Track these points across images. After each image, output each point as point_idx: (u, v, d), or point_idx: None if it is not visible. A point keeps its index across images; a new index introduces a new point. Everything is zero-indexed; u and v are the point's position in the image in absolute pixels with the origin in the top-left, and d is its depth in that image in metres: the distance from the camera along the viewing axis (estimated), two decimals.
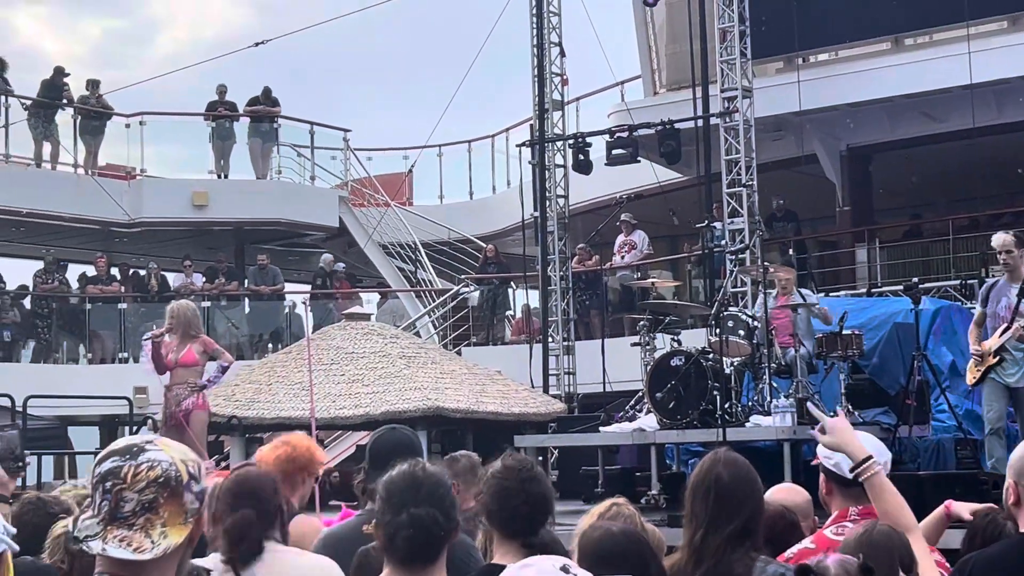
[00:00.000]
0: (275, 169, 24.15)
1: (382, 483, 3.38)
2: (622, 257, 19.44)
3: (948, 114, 17.39)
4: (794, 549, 4.22)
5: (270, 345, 21.21)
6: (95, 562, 2.43)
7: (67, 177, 22.23)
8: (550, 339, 17.43)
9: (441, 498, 3.32)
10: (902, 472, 10.14)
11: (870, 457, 4.03)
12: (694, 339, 13.79)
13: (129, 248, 24.33)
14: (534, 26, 17.85)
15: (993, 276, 10.88)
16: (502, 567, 3.44)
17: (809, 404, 10.55)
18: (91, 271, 22.26)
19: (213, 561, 3.92)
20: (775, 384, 11.90)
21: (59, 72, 22.24)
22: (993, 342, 10.43)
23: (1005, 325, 10.37)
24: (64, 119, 22.42)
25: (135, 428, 15.31)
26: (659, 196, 18.75)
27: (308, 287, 23.69)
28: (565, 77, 18.09)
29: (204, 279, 22.26)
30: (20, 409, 14.41)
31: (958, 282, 16.13)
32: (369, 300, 23.21)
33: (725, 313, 12.24)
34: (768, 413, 11.53)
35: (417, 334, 19.78)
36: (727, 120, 15.78)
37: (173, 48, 61.32)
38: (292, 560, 3.98)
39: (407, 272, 23.59)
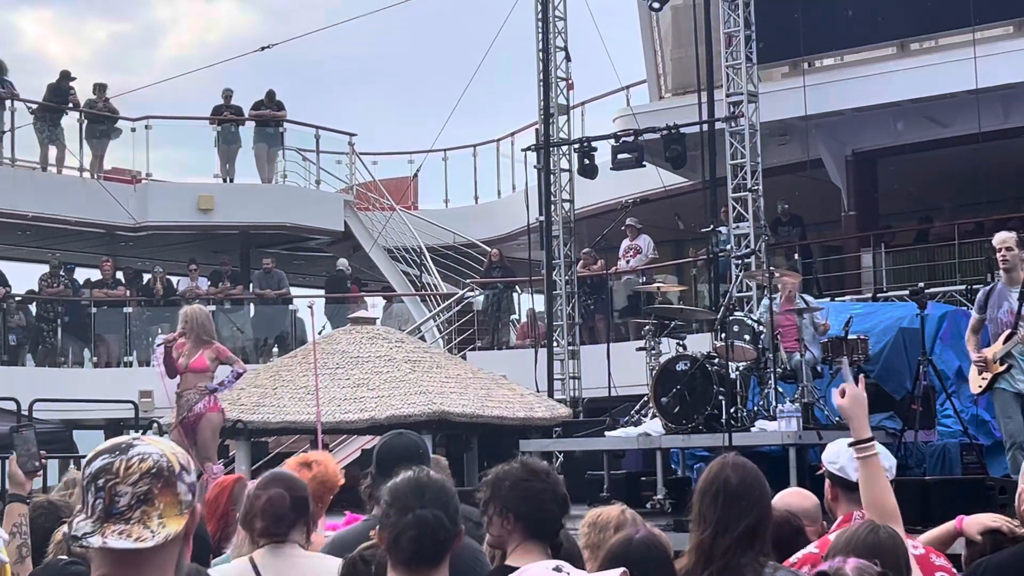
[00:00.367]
0: (280, 173, 24.15)
1: (386, 488, 3.41)
2: (627, 262, 19.44)
3: (954, 119, 17.38)
4: (799, 554, 4.23)
5: (275, 349, 21.24)
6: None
7: (73, 181, 22.26)
8: (555, 343, 17.44)
9: (446, 502, 3.35)
10: (908, 477, 10.14)
11: (872, 438, 4.14)
12: (699, 344, 13.77)
13: (134, 252, 24.35)
14: (539, 30, 17.85)
15: (997, 279, 10.76)
16: (513, 568, 3.46)
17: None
18: (96, 275, 22.30)
19: (239, 566, 4.02)
20: (781, 389, 11.89)
21: (65, 76, 22.29)
22: (997, 348, 10.29)
23: (1009, 331, 10.24)
24: (70, 123, 22.48)
25: (141, 432, 15.32)
26: (664, 200, 18.75)
27: (312, 291, 23.73)
28: (570, 81, 18.10)
29: (209, 283, 22.29)
30: (26, 412, 14.43)
31: (964, 287, 16.10)
32: (374, 304, 23.23)
33: (731, 318, 12.23)
34: (774, 418, 11.53)
35: (422, 338, 19.79)
36: (732, 125, 15.79)
37: (178, 52, 61.45)
38: (317, 563, 4.08)
39: (412, 276, 23.59)
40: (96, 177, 22.42)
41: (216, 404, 11.64)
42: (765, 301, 12.58)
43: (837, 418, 11.64)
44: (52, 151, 22.16)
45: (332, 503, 5.39)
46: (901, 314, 13.24)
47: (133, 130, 23.22)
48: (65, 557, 4.09)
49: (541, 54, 17.84)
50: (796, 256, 16.59)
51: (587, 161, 17.21)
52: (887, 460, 4.34)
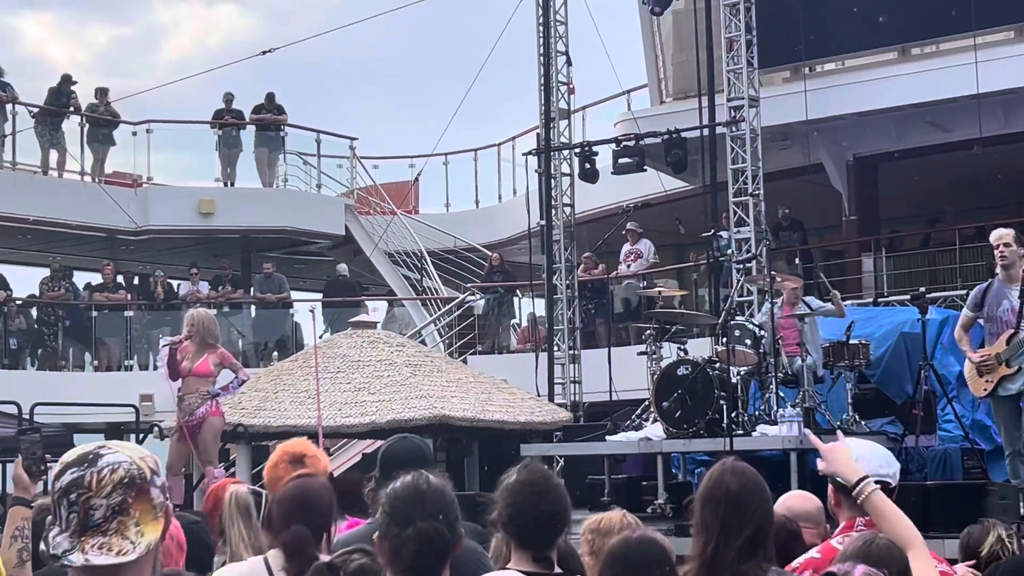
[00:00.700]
0: (281, 177, 24.16)
1: (386, 495, 3.39)
2: (628, 266, 19.44)
3: (955, 123, 17.38)
4: (800, 559, 4.21)
5: (275, 353, 21.24)
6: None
7: (74, 185, 22.27)
8: (556, 348, 17.43)
9: (446, 511, 3.34)
10: (909, 482, 10.12)
11: (865, 478, 4.07)
12: (700, 348, 13.77)
13: (135, 256, 24.35)
14: (540, 35, 17.86)
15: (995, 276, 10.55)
16: (515, 573, 3.47)
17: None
18: (97, 279, 22.29)
19: (253, 565, 4.03)
20: (782, 393, 11.88)
21: (66, 80, 22.31)
22: (1001, 349, 10.10)
23: (1012, 331, 10.06)
24: (71, 127, 22.49)
25: (141, 435, 15.32)
26: (665, 205, 18.76)
27: (313, 295, 23.73)
28: (571, 86, 18.10)
29: (210, 287, 22.29)
30: (27, 416, 14.42)
31: (965, 292, 16.08)
32: (375, 308, 23.22)
33: (732, 322, 12.23)
34: (775, 422, 11.51)
35: (423, 342, 19.79)
36: (734, 129, 15.78)
37: (179, 56, 61.41)
38: None
39: (413, 280, 23.59)
40: (97, 181, 22.43)
41: (218, 408, 11.62)
42: (766, 305, 12.58)
43: (838, 422, 11.65)
44: (53, 155, 22.17)
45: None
46: (902, 319, 13.24)
47: (134, 134, 23.24)
48: None
49: (542, 58, 17.84)
50: (797, 261, 16.60)
51: (588, 165, 17.20)
52: (890, 466, 4.33)
